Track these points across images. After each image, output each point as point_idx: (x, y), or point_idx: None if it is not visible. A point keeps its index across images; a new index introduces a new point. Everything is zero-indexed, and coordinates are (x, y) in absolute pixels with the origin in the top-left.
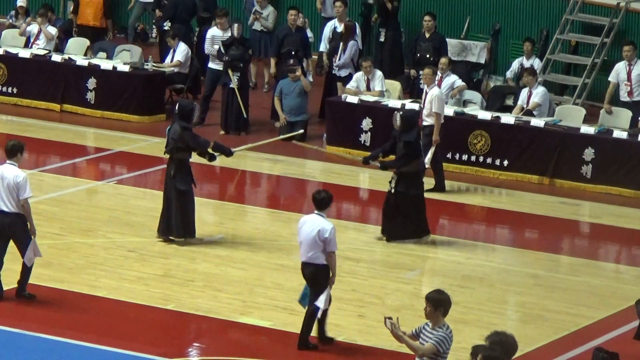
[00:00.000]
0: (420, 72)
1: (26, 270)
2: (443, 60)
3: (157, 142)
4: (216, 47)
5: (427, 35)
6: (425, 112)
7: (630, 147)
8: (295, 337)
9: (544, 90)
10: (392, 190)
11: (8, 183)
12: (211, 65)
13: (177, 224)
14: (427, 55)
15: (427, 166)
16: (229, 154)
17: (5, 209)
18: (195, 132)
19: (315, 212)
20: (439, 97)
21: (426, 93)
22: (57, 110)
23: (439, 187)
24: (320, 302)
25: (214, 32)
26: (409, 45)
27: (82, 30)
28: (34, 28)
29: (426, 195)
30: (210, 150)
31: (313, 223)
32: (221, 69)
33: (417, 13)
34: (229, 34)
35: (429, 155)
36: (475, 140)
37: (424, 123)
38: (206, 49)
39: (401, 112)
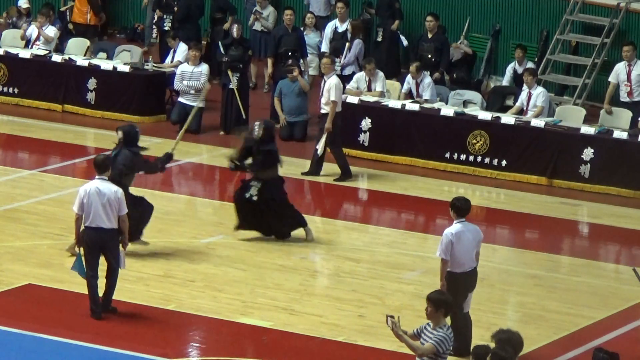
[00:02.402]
0: (423, 73)
1: (111, 284)
2: (412, 67)
3: (157, 142)
4: (185, 82)
5: (430, 36)
6: (322, 100)
7: (630, 147)
8: (295, 337)
9: (545, 92)
10: (255, 198)
11: (109, 198)
12: (181, 99)
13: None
14: (429, 56)
15: (319, 153)
16: (170, 157)
17: (104, 226)
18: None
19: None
20: (337, 86)
21: (324, 82)
22: (59, 111)
23: (345, 174)
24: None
25: (183, 67)
26: (409, 44)
27: (76, 28)
28: (33, 29)
29: (423, 195)
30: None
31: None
32: (192, 103)
33: (416, 13)
34: (199, 70)
35: (321, 143)
36: (475, 141)
37: (322, 111)
38: (175, 85)
39: (262, 122)
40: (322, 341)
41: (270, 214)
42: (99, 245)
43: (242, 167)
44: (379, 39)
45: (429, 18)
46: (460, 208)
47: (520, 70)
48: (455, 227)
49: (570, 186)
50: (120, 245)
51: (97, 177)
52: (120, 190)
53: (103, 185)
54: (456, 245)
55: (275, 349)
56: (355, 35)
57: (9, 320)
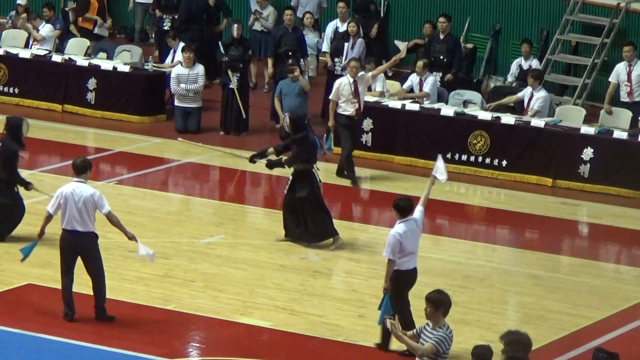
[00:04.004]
0: (434, 74)
1: (98, 291)
2: (419, 63)
3: (157, 142)
4: (182, 86)
5: (442, 37)
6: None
7: (630, 147)
8: (295, 337)
9: (545, 96)
10: (286, 191)
11: (84, 201)
12: (180, 104)
13: None
14: (441, 57)
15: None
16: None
17: (79, 229)
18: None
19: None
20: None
21: (352, 82)
22: (59, 111)
23: (340, 172)
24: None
25: (178, 70)
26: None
27: (84, 33)
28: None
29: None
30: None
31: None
32: (189, 105)
33: (416, 13)
34: (195, 72)
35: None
36: (475, 141)
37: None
38: (172, 89)
39: (289, 114)
40: (322, 341)
41: (294, 211)
42: (75, 248)
43: (276, 163)
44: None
45: (441, 19)
46: (404, 208)
47: (525, 66)
48: (400, 227)
49: (571, 186)
50: (132, 240)
51: (75, 179)
52: (97, 193)
53: (79, 188)
54: (405, 246)
55: (275, 349)
56: (356, 35)
57: (9, 320)
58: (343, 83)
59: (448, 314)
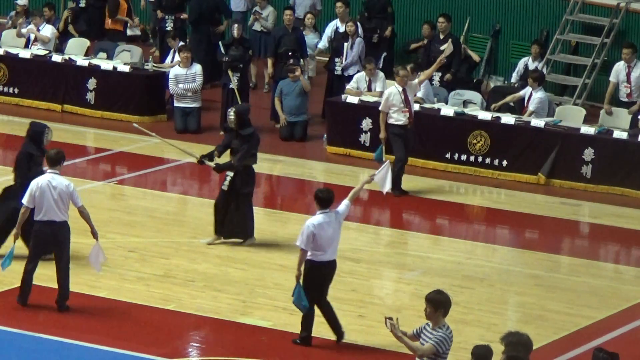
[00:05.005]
0: (434, 74)
1: (63, 283)
2: (408, 68)
3: (157, 142)
4: (181, 86)
5: (442, 37)
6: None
7: (630, 147)
8: (295, 337)
9: (542, 98)
10: (226, 188)
11: (60, 192)
12: (179, 104)
13: None
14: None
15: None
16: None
17: (56, 219)
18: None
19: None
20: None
21: (401, 90)
22: (59, 111)
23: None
24: None
25: (176, 71)
26: (403, 45)
27: (113, 35)
28: (33, 29)
29: (423, 195)
30: None
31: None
32: (189, 106)
33: (416, 13)
34: (192, 71)
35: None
36: (475, 141)
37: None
38: (171, 89)
39: (234, 109)
40: (322, 341)
41: (228, 207)
42: (52, 239)
43: (226, 167)
44: (375, 41)
45: (440, 19)
46: (322, 199)
47: (532, 66)
48: (317, 218)
49: (572, 186)
50: (94, 238)
51: (49, 170)
52: (71, 184)
53: (55, 179)
54: (318, 236)
55: (275, 349)
56: (354, 35)
57: (9, 320)
58: (392, 93)
59: (448, 314)
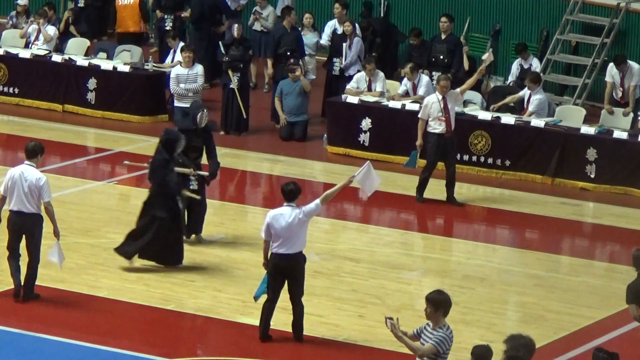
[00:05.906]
0: (434, 74)
1: (32, 273)
2: (406, 69)
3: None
4: (182, 85)
5: (443, 37)
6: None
7: (630, 147)
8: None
9: (541, 99)
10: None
11: (30, 185)
12: (177, 103)
13: None
14: (442, 57)
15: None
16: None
17: (25, 210)
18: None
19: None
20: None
21: (441, 99)
22: (59, 111)
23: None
24: None
25: (177, 70)
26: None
27: (124, 38)
28: (34, 28)
29: (427, 195)
30: None
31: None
32: (188, 105)
33: (416, 13)
34: (194, 71)
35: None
36: (476, 141)
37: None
38: (172, 89)
39: (199, 109)
40: (322, 341)
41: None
42: (20, 229)
43: (215, 169)
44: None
45: (443, 19)
46: (284, 191)
47: (526, 66)
48: (278, 209)
49: (572, 186)
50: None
51: (25, 162)
52: (43, 178)
53: (27, 172)
54: (271, 226)
55: (275, 349)
56: (352, 35)
57: (9, 320)
58: (432, 101)
59: (448, 314)
